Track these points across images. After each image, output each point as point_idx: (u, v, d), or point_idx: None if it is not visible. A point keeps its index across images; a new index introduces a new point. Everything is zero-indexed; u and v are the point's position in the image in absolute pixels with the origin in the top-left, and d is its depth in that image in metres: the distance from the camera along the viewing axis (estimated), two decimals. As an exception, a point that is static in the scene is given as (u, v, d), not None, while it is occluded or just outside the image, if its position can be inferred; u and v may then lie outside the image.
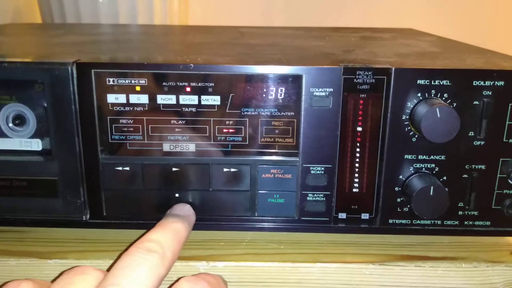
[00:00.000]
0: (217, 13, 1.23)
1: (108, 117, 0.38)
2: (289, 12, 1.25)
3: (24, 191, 0.40)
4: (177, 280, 0.32)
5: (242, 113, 0.38)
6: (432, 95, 0.37)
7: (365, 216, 0.40)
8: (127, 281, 0.29)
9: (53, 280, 0.30)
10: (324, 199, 0.40)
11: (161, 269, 0.31)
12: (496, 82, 0.37)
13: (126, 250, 0.32)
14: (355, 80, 0.37)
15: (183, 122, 0.38)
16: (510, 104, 0.38)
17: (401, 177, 0.39)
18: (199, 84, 0.37)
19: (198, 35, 0.64)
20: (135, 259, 0.30)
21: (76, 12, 0.91)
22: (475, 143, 0.38)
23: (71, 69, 0.37)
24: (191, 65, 0.37)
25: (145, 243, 0.32)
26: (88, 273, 0.30)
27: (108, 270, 0.30)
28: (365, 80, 0.37)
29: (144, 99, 0.38)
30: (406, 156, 0.39)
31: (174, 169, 0.39)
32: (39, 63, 0.38)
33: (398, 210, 0.40)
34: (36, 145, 0.39)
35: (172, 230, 0.35)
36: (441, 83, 0.37)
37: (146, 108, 0.38)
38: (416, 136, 0.38)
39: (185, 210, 0.39)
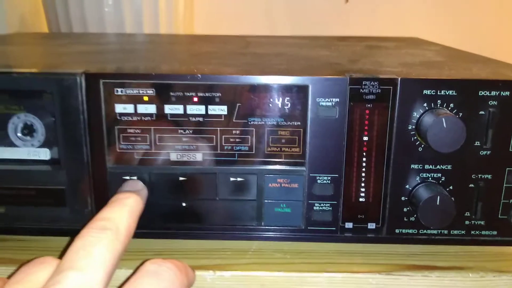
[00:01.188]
0: (222, 22, 1.23)
1: (116, 127, 0.38)
2: (294, 21, 1.26)
3: (32, 200, 0.40)
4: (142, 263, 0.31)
5: (249, 123, 0.38)
6: (438, 105, 0.37)
7: (371, 225, 0.40)
8: (83, 262, 0.27)
9: (10, 276, 0.29)
10: (331, 208, 0.40)
11: (117, 245, 0.30)
12: (502, 92, 0.37)
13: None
14: (361, 90, 0.37)
15: (190, 131, 0.38)
16: (516, 114, 0.38)
17: (407, 186, 0.39)
18: (206, 94, 0.38)
19: (204, 44, 0.65)
20: (88, 239, 0.29)
21: (82, 21, 0.92)
22: (481, 153, 0.38)
23: (79, 79, 0.37)
24: (198, 75, 0.37)
25: (97, 222, 0.31)
26: (47, 263, 0.29)
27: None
28: (371, 90, 0.37)
29: (151, 109, 0.38)
30: (412, 166, 0.39)
31: (181, 178, 0.39)
32: (48, 73, 0.38)
33: (405, 219, 0.40)
34: (44, 154, 0.40)
35: (123, 205, 0.34)
36: (447, 93, 0.37)
37: (154, 118, 0.38)
38: (422, 146, 0.38)
39: (135, 185, 0.39)
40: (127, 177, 0.39)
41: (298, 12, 1.25)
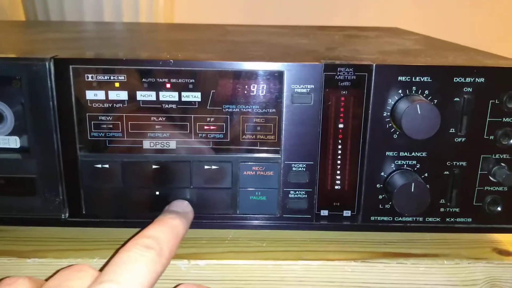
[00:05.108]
0: (203, 11, 1.22)
1: (87, 114, 0.37)
2: (278, 11, 1.25)
3: (2, 189, 0.39)
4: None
5: (223, 110, 0.38)
6: (413, 91, 0.37)
7: (347, 213, 0.40)
8: (123, 277, 0.28)
9: (48, 278, 0.30)
10: (306, 196, 0.40)
11: (158, 266, 0.31)
12: (476, 79, 0.37)
13: (120, 248, 0.31)
14: (336, 76, 0.37)
15: (163, 119, 0.38)
16: (490, 101, 0.38)
17: (382, 174, 0.39)
18: (179, 81, 0.37)
19: (182, 32, 0.64)
20: (132, 255, 0.30)
21: (60, 10, 0.90)
22: (456, 140, 0.38)
23: (48, 65, 0.36)
24: (171, 61, 0.37)
25: (143, 239, 0.32)
26: (84, 271, 0.30)
27: (103, 267, 0.30)
28: (346, 76, 0.37)
29: (123, 95, 0.37)
30: (387, 153, 0.39)
31: (154, 166, 0.39)
32: (16, 58, 0.37)
33: (380, 207, 0.40)
34: (14, 142, 0.39)
35: (170, 226, 0.34)
36: (422, 80, 0.37)
37: (126, 105, 0.37)
38: (397, 133, 0.38)
39: (183, 206, 0.39)
40: (99, 166, 0.38)
41: (281, 3, 1.24)
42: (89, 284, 0.28)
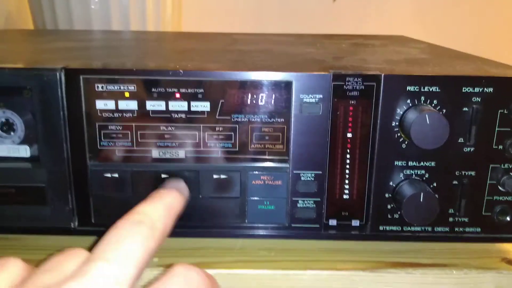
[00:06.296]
0: (210, 20, 1.23)
1: (97, 124, 0.38)
2: (283, 19, 1.25)
3: (12, 198, 0.39)
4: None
5: (232, 120, 0.38)
6: (422, 101, 0.37)
7: (355, 222, 0.40)
8: (114, 254, 0.27)
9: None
10: (315, 205, 0.40)
11: (151, 242, 0.29)
12: (485, 89, 0.37)
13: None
14: (344, 86, 0.37)
15: (173, 128, 0.38)
16: (499, 111, 0.38)
17: (391, 183, 0.39)
18: (189, 90, 0.37)
19: (190, 41, 0.64)
20: (122, 232, 0.29)
21: (69, 18, 0.91)
22: (465, 149, 0.38)
23: (59, 75, 0.37)
24: (181, 71, 0.37)
25: (134, 215, 0.30)
26: (77, 254, 0.28)
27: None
28: (354, 86, 0.37)
29: (133, 105, 0.37)
30: (396, 163, 0.39)
31: (163, 175, 0.39)
32: (28, 69, 0.37)
33: (389, 216, 0.40)
34: (24, 151, 0.39)
35: (162, 201, 0.33)
36: (431, 90, 0.37)
37: (135, 115, 0.38)
38: (406, 142, 0.38)
39: (178, 184, 0.38)
40: (109, 175, 0.39)
41: (286, 12, 1.25)
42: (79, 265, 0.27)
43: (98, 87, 0.37)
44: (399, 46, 0.61)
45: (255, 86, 0.37)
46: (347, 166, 0.39)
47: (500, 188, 0.39)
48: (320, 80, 0.37)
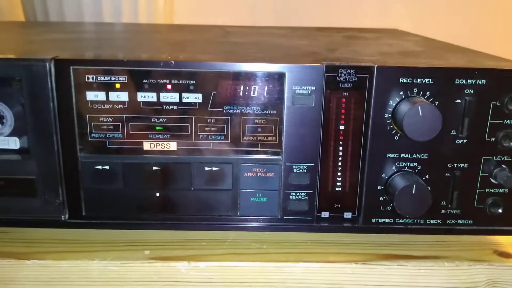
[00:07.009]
0: (203, 12, 1.22)
1: (87, 115, 0.37)
2: (277, 12, 1.25)
3: (1, 191, 0.39)
4: None
5: (224, 111, 0.38)
6: (415, 93, 0.37)
7: (347, 215, 0.40)
8: None
9: None
10: (307, 198, 0.40)
11: None
12: (478, 81, 0.37)
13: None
14: (337, 78, 0.37)
15: (164, 120, 0.38)
16: (492, 103, 0.38)
17: (383, 175, 0.39)
18: (180, 82, 0.37)
19: (182, 33, 0.64)
20: None
21: (60, 10, 0.90)
22: (457, 141, 0.38)
23: (49, 66, 0.36)
24: (172, 62, 0.36)
25: None
26: None
27: None
28: (347, 78, 0.37)
29: (124, 96, 0.37)
30: (388, 155, 0.39)
31: (154, 168, 0.39)
32: (17, 59, 0.37)
33: (381, 209, 0.40)
34: (14, 143, 0.38)
35: None
36: (424, 82, 0.37)
37: (126, 106, 0.37)
38: (399, 134, 0.38)
39: None
40: (99, 167, 0.38)
41: (280, 4, 1.24)
42: None
43: (88, 78, 0.36)
44: (392, 39, 0.61)
45: (248, 77, 0.37)
46: (340, 158, 0.39)
47: (492, 180, 0.39)
48: (313, 71, 0.37)
